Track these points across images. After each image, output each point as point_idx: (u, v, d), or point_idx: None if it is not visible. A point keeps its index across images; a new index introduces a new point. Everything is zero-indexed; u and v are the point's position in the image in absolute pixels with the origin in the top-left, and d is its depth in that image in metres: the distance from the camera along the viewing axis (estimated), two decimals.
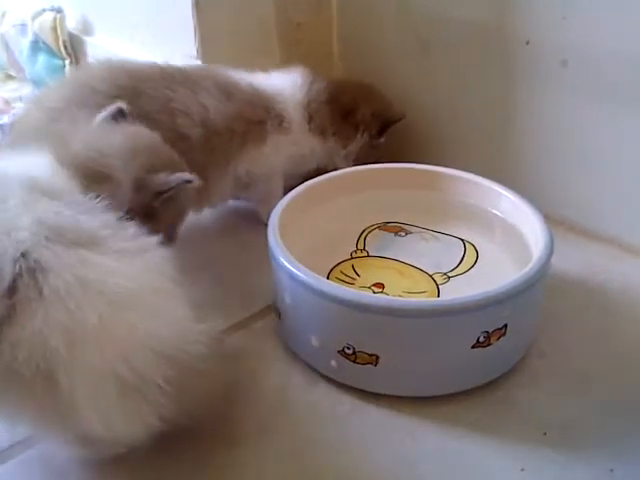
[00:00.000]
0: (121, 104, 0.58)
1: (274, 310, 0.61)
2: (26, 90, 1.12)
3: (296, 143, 0.77)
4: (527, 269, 0.54)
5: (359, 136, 0.80)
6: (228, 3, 0.81)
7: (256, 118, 0.73)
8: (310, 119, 0.77)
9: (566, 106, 0.72)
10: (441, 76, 0.82)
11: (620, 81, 0.67)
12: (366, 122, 0.80)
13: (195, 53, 0.81)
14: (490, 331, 0.52)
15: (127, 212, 0.53)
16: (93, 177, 0.53)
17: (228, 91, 0.72)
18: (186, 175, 0.56)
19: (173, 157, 0.59)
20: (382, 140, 0.81)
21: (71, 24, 1.02)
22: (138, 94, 0.67)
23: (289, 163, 0.78)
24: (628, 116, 0.68)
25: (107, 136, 0.57)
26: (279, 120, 0.75)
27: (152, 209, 0.56)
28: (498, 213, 0.66)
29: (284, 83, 0.77)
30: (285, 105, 0.75)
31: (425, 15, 0.80)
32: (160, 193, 0.55)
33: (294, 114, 0.76)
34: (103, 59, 0.72)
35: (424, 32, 0.81)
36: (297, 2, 0.87)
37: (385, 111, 0.82)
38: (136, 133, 0.58)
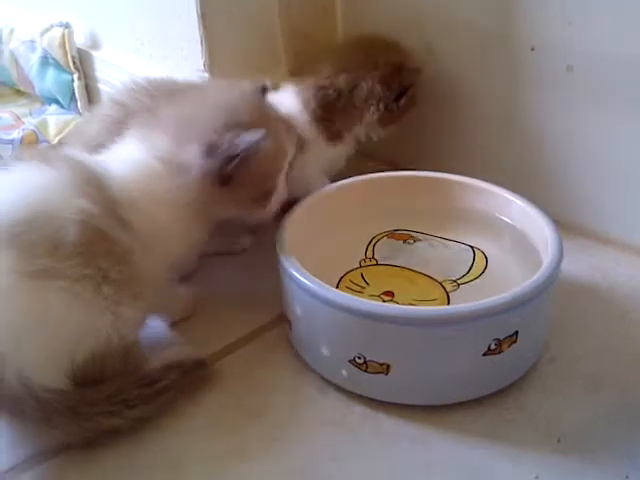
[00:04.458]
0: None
1: (285, 320, 0.61)
2: (36, 105, 1.13)
3: (319, 157, 0.77)
4: (537, 275, 0.53)
5: (370, 111, 0.76)
6: (234, 15, 0.81)
7: None
8: (321, 131, 0.76)
9: (572, 110, 0.72)
10: (447, 83, 0.82)
11: (626, 85, 0.67)
12: (374, 96, 0.75)
13: (203, 66, 0.81)
14: (501, 338, 0.52)
15: (203, 179, 0.54)
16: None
17: None
18: (254, 135, 0.53)
19: (251, 115, 0.57)
20: (402, 102, 0.77)
21: (79, 39, 1.03)
22: None
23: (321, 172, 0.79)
24: (635, 119, 0.68)
25: (191, 102, 0.59)
26: (299, 143, 0.73)
27: (226, 176, 0.55)
28: (507, 219, 0.66)
29: (288, 103, 0.75)
30: (299, 124, 0.75)
31: (431, 22, 0.80)
32: (231, 158, 0.54)
33: (309, 132, 0.75)
34: (142, 78, 0.70)
35: (430, 39, 0.81)
36: (302, 12, 0.87)
37: (396, 76, 0.76)
38: (211, 94, 0.60)
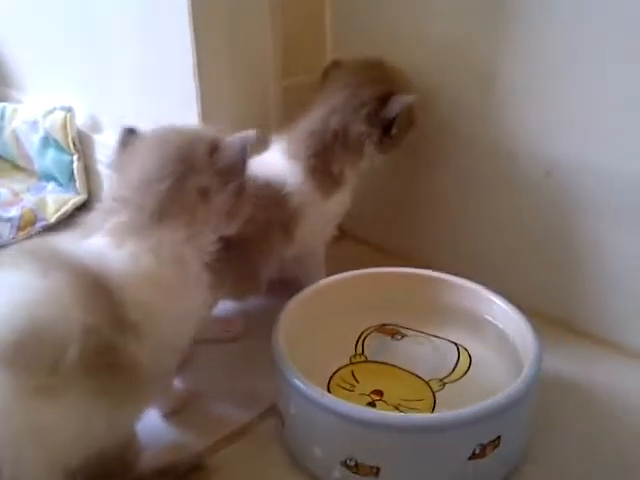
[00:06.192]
0: (129, 126, 0.61)
1: (278, 416, 0.63)
2: (33, 181, 1.16)
3: (317, 219, 0.77)
4: (518, 382, 0.56)
5: (366, 146, 0.77)
6: (230, 102, 0.86)
7: (279, 219, 0.74)
8: (317, 185, 0.76)
9: (550, 212, 0.77)
10: (430, 184, 0.87)
11: (600, 191, 0.72)
12: (365, 135, 0.77)
13: None
14: (485, 443, 0.55)
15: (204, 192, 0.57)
16: None
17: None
18: (241, 137, 0.59)
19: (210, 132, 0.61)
20: (394, 132, 0.77)
21: (80, 121, 1.07)
22: None
23: (329, 227, 0.82)
24: (609, 222, 0.72)
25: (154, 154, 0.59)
26: (294, 213, 0.75)
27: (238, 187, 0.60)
28: (490, 318, 0.69)
29: (277, 163, 0.76)
30: (292, 191, 0.75)
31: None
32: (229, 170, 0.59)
33: (304, 193, 0.75)
34: None
35: (413, 139, 0.86)
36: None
37: (381, 110, 0.76)
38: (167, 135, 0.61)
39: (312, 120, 0.77)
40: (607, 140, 0.70)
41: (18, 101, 1.19)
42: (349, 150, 0.77)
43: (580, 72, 0.69)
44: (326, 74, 0.81)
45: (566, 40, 0.69)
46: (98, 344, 0.48)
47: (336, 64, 0.81)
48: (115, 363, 0.50)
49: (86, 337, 0.47)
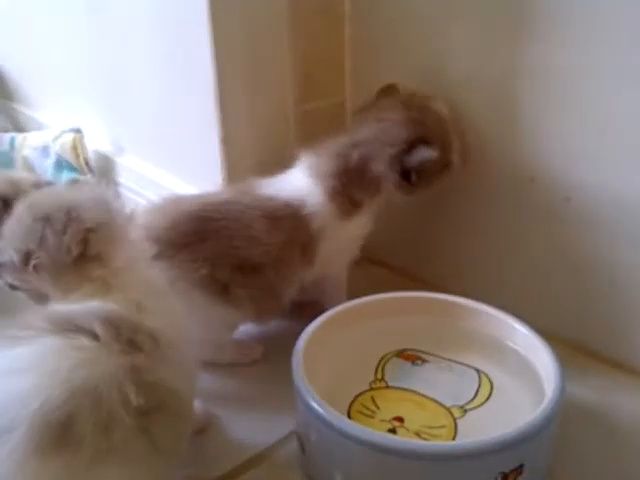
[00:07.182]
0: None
1: (297, 442, 0.63)
2: None
3: (337, 240, 0.78)
4: (541, 410, 0.56)
5: (384, 185, 0.76)
6: (253, 139, 0.87)
7: (298, 241, 0.75)
8: (337, 207, 0.76)
9: (570, 237, 0.76)
10: (450, 209, 0.88)
11: (619, 216, 0.72)
12: (383, 175, 0.75)
13: (221, 181, 0.86)
14: (507, 472, 0.54)
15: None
16: None
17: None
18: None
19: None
20: (414, 179, 0.76)
21: (103, 146, 1.09)
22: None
23: (350, 249, 0.82)
24: (629, 247, 0.72)
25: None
26: (314, 235, 0.76)
27: None
28: (511, 344, 0.69)
29: (298, 182, 0.77)
30: (312, 212, 0.75)
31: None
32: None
33: (323, 214, 0.76)
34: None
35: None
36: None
37: (401, 158, 0.75)
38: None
39: (340, 143, 0.77)
40: (626, 166, 0.70)
41: (40, 123, 1.21)
42: (365, 184, 0.76)
43: (599, 100, 0.69)
44: (379, 96, 0.80)
45: (586, 68, 0.70)
46: (146, 385, 0.48)
47: (389, 90, 0.80)
48: (165, 404, 0.49)
49: (139, 378, 0.47)
